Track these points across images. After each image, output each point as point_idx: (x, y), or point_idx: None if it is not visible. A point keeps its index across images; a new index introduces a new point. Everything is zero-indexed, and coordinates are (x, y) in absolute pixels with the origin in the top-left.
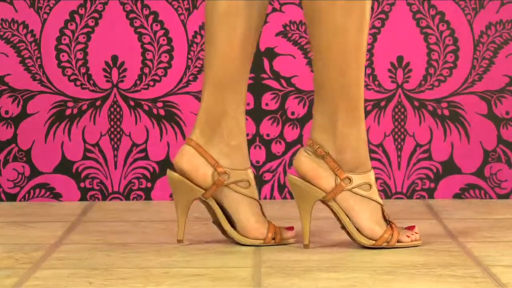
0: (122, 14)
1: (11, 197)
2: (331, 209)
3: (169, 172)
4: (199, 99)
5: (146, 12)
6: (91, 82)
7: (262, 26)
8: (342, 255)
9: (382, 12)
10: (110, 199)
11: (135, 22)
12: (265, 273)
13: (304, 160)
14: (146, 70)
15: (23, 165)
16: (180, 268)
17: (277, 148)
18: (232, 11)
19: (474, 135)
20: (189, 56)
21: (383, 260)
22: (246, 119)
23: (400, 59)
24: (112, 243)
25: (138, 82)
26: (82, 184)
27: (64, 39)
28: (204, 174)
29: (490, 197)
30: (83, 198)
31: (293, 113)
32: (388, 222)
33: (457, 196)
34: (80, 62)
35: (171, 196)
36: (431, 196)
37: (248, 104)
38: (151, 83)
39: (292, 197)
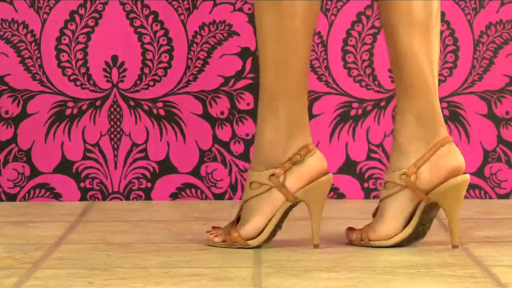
0: (122, 14)
1: (11, 197)
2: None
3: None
4: (199, 99)
5: (146, 12)
6: (91, 82)
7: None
8: (342, 255)
9: None
10: (110, 199)
11: (135, 22)
12: (265, 273)
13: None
14: (146, 70)
15: (23, 165)
16: (180, 268)
17: None
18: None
19: (474, 135)
20: (189, 56)
21: (383, 260)
22: (246, 119)
23: None
24: (112, 243)
25: (138, 82)
26: (82, 184)
27: (64, 39)
28: None
29: (490, 197)
30: (83, 198)
31: None
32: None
33: None
34: (80, 62)
35: (171, 196)
36: None
37: (248, 104)
38: (151, 83)
39: None
